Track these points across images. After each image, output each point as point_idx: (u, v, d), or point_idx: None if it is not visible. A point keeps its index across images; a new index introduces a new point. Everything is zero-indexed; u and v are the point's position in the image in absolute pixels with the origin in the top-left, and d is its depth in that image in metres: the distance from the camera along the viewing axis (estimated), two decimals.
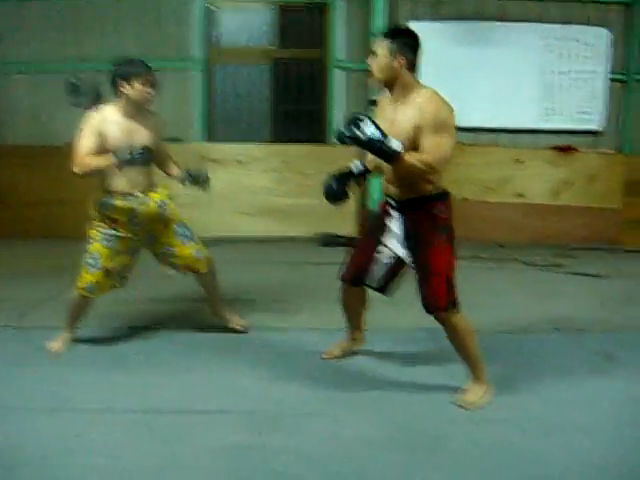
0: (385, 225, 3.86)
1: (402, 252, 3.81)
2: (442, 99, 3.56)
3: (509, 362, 4.35)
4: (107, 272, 4.27)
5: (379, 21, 8.09)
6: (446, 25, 8.40)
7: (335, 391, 3.87)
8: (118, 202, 4.21)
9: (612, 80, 8.62)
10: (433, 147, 3.44)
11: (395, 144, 3.36)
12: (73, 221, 7.80)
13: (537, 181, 8.41)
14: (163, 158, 4.51)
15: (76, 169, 4.02)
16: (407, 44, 3.62)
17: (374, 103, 8.41)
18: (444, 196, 3.71)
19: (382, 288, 4.04)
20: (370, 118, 3.37)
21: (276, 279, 6.28)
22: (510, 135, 8.61)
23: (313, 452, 3.20)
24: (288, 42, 8.76)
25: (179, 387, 3.89)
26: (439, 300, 3.65)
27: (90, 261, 4.23)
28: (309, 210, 8.13)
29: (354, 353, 4.39)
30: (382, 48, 3.61)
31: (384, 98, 3.84)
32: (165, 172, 4.56)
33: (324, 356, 4.31)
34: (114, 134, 4.07)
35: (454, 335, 3.75)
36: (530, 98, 8.43)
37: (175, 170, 4.56)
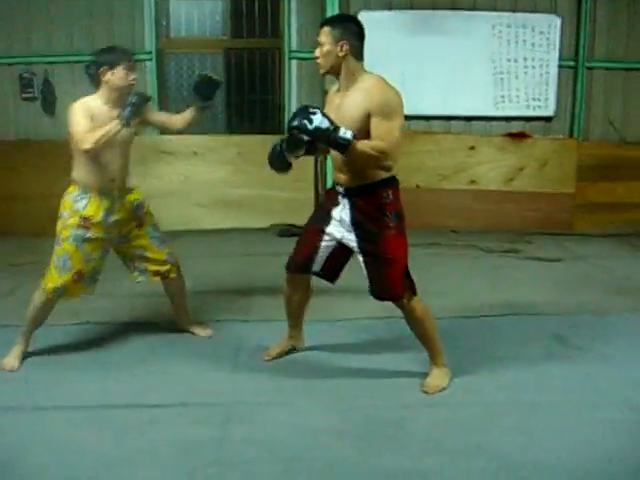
0: (329, 213, 3.85)
1: (348, 240, 3.78)
2: (388, 84, 3.57)
3: (466, 346, 4.42)
4: (79, 275, 4.07)
5: (332, 10, 8.08)
6: (398, 14, 8.41)
7: (293, 381, 3.91)
8: (93, 199, 4.06)
9: (562, 67, 8.72)
10: (384, 132, 3.45)
11: (346, 133, 3.35)
12: (27, 217, 7.81)
13: (490, 168, 8.47)
14: (162, 119, 4.43)
15: (86, 145, 3.77)
16: (351, 31, 3.65)
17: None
18: (391, 182, 3.69)
19: (327, 275, 4.02)
20: (319, 108, 3.37)
21: (234, 271, 6.26)
22: (463, 122, 8.64)
23: (272, 441, 3.22)
24: (241, 32, 8.70)
25: (136, 382, 3.88)
26: (396, 287, 3.68)
27: (60, 262, 4.02)
28: (266, 201, 8.13)
29: (291, 352, 4.34)
30: (326, 36, 3.61)
31: (332, 88, 3.86)
32: (174, 127, 4.42)
33: (265, 358, 4.25)
34: (103, 123, 3.88)
35: (412, 320, 3.79)
36: (482, 85, 8.49)
37: (179, 118, 4.38)
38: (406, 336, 4.09)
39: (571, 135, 8.88)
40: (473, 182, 8.50)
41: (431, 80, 8.35)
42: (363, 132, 3.49)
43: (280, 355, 4.28)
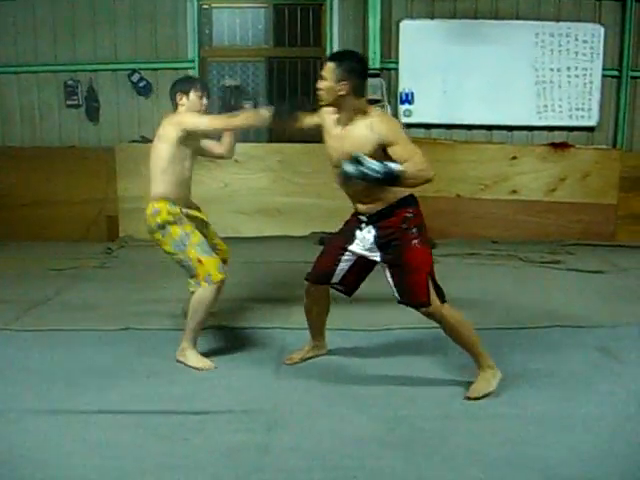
0: (353, 233, 3.95)
1: (372, 255, 3.87)
2: (387, 116, 3.79)
3: (509, 358, 4.36)
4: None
5: (375, 19, 8.12)
6: (441, 23, 8.42)
7: (336, 389, 3.89)
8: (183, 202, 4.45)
9: (606, 76, 8.65)
10: (409, 153, 3.57)
11: (394, 166, 3.48)
12: (69, 222, 7.94)
13: (532, 178, 8.40)
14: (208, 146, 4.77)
15: (219, 125, 4.30)
16: (353, 70, 3.74)
17: (371, 102, 8.47)
18: (409, 200, 3.80)
19: (344, 288, 4.13)
20: (363, 156, 3.51)
21: (274, 279, 6.28)
22: (505, 132, 8.63)
23: (317, 450, 3.21)
24: (283, 41, 8.77)
25: (180, 388, 3.89)
26: (422, 295, 3.73)
27: (203, 248, 4.23)
28: (306, 209, 8.15)
29: (312, 358, 4.38)
30: (329, 73, 3.74)
31: (328, 116, 3.93)
32: (216, 154, 4.88)
33: (286, 362, 4.29)
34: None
35: (446, 327, 3.81)
36: (524, 95, 8.45)
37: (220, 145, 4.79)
38: (445, 345, 4.11)
39: (614, 145, 8.80)
40: (514, 192, 8.43)
41: (473, 89, 8.33)
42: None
43: (302, 360, 4.32)
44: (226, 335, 4.70)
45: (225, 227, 7.95)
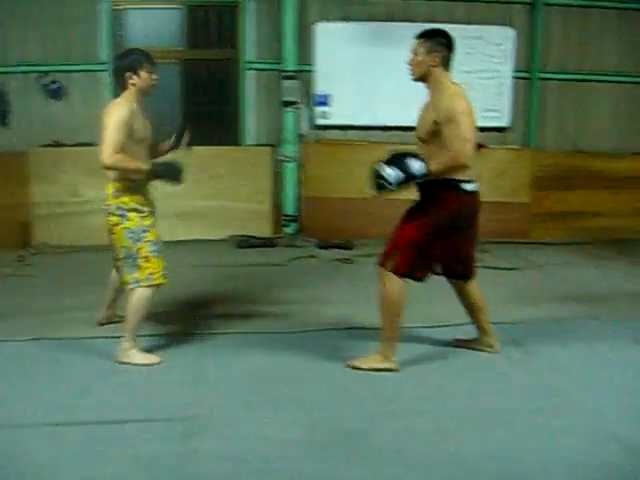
0: None
1: None
2: (459, 93, 3.96)
3: (423, 355, 4.44)
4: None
5: (289, 21, 8.12)
6: (355, 26, 8.47)
7: (258, 393, 3.86)
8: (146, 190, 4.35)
9: (517, 78, 8.85)
10: (453, 139, 3.83)
11: (415, 166, 3.81)
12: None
13: None
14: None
15: (107, 161, 4.00)
16: (441, 43, 4.04)
17: (287, 104, 8.49)
18: (446, 184, 4.00)
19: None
20: (389, 161, 3.90)
21: (193, 283, 6.18)
22: None
23: (238, 454, 3.17)
24: (197, 42, 8.66)
25: (95, 397, 3.78)
26: (386, 255, 4.08)
27: (155, 247, 4.21)
28: (224, 212, 8.09)
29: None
30: (418, 47, 4.06)
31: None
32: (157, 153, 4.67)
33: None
34: (138, 126, 4.20)
35: (381, 294, 4.09)
36: None
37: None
38: (364, 346, 4.22)
39: (526, 145, 9.00)
40: None
41: (388, 91, 8.40)
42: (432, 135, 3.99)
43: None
44: (141, 342, 4.58)
45: None
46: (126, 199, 4.17)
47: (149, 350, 4.39)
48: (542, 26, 8.82)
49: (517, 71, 8.82)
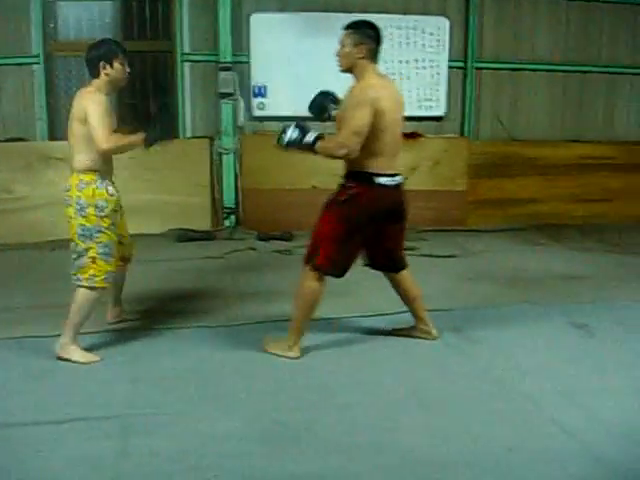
0: None
1: None
2: (369, 84, 4.03)
3: (362, 345, 4.49)
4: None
5: (225, 12, 8.07)
6: (291, 16, 8.45)
7: (194, 389, 3.83)
8: (110, 189, 4.25)
9: (452, 67, 8.94)
10: (344, 126, 3.96)
11: (310, 137, 4.00)
12: None
13: None
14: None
15: (105, 146, 3.97)
16: (368, 35, 4.11)
17: (223, 96, 8.43)
18: (357, 176, 4.08)
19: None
20: (297, 124, 4.06)
21: (133, 278, 6.08)
22: None
23: (175, 452, 3.14)
24: (132, 34, 8.53)
25: (29, 397, 3.70)
26: (306, 253, 4.18)
27: (106, 250, 4.15)
28: (162, 206, 8.01)
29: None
30: (345, 39, 4.13)
31: None
32: None
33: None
34: (111, 114, 4.18)
35: (298, 290, 4.19)
36: None
37: None
38: (306, 337, 4.17)
39: (462, 134, 9.11)
40: None
41: (326, 81, 8.34)
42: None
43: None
44: (78, 339, 4.52)
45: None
46: (89, 192, 4.09)
47: (88, 348, 4.32)
48: (476, 16, 8.92)
49: (452, 60, 8.90)
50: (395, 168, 4.15)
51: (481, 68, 9.08)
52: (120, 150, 4.16)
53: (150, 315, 5.07)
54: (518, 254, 7.30)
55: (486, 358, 4.29)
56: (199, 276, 6.25)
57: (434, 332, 4.53)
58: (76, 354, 4.16)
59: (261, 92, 8.40)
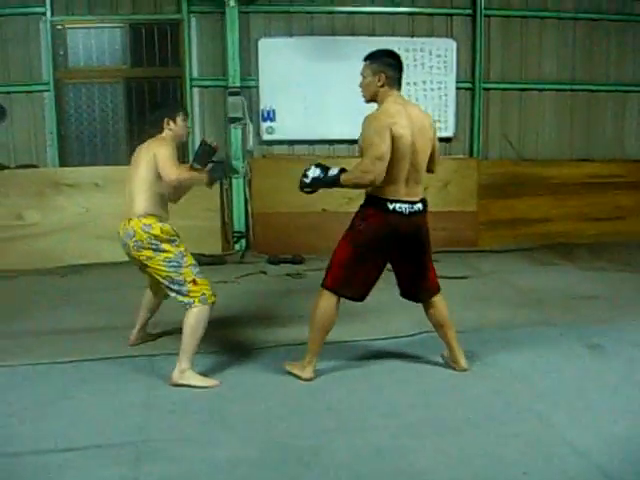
0: None
1: None
2: (380, 112, 4.06)
3: (376, 367, 4.46)
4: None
5: (233, 38, 8.12)
6: (299, 40, 8.51)
7: (207, 414, 3.81)
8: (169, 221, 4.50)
9: (460, 88, 8.97)
10: (365, 154, 3.98)
11: (333, 172, 4.08)
12: None
13: None
14: None
15: (174, 176, 4.17)
16: (387, 63, 4.13)
17: (233, 120, 8.47)
18: (372, 201, 4.10)
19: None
20: (318, 164, 4.17)
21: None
22: None
23: (187, 478, 3.12)
24: (141, 61, 8.61)
25: (41, 425, 3.68)
26: (326, 275, 4.20)
27: (197, 270, 4.32)
28: None
29: None
30: (365, 70, 4.16)
31: None
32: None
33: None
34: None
35: (313, 308, 4.19)
36: None
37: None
38: (322, 359, 4.15)
39: (471, 155, 9.12)
40: None
41: (334, 105, 8.44)
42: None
43: None
44: (89, 367, 4.50)
45: (86, 252, 7.76)
46: (157, 232, 4.25)
47: (94, 372, 4.30)
48: (483, 36, 8.96)
49: (460, 82, 8.95)
50: (415, 195, 4.12)
51: (489, 89, 9.10)
52: (186, 183, 4.42)
53: (162, 340, 5.05)
54: (530, 274, 7.27)
55: (500, 381, 4.25)
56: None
57: (462, 362, 4.41)
58: (196, 379, 4.23)
59: (270, 116, 8.44)
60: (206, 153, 4.50)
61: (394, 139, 3.93)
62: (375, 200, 4.06)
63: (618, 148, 9.60)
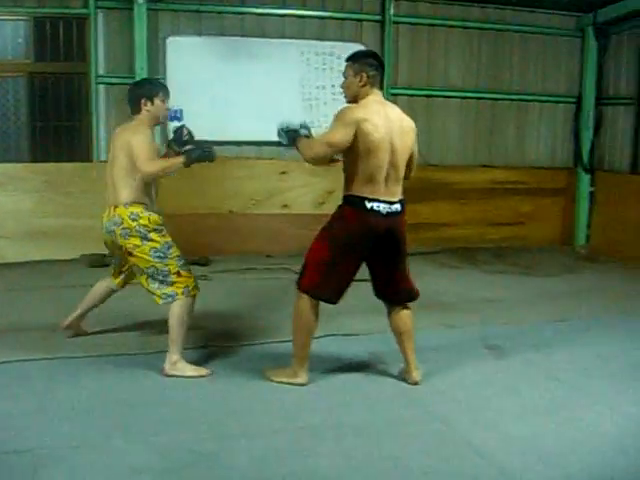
0: None
1: None
2: (350, 106, 4.18)
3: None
4: None
5: (141, 35, 8.01)
6: (208, 40, 8.45)
7: (108, 419, 3.75)
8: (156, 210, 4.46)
9: None
10: (322, 135, 4.17)
11: (303, 131, 4.22)
12: None
13: (302, 192, 8.67)
14: None
15: (148, 169, 4.18)
16: (368, 63, 4.21)
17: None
18: (349, 200, 4.12)
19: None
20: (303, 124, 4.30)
21: (41, 305, 5.95)
22: (274, 148, 8.73)
23: None
24: (45, 55, 8.36)
25: None
26: (301, 276, 4.20)
27: (182, 262, 4.40)
28: (75, 231, 7.83)
29: None
30: (347, 71, 4.25)
31: None
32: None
33: None
34: (154, 143, 4.44)
35: (294, 312, 4.22)
36: (292, 111, 8.58)
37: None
38: (221, 365, 4.12)
39: None
40: (285, 206, 8.64)
41: (242, 105, 8.42)
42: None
43: None
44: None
45: None
46: (145, 222, 4.25)
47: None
48: (391, 43, 9.08)
49: None
50: (394, 195, 4.14)
51: (396, 94, 9.20)
52: (163, 172, 4.34)
53: (57, 343, 4.93)
54: (433, 277, 7.39)
55: (400, 382, 4.34)
56: (107, 302, 6.05)
57: (414, 375, 4.36)
58: (187, 369, 4.29)
59: (177, 116, 8.32)
60: (184, 135, 4.64)
61: (360, 135, 3.98)
62: (353, 199, 4.08)
63: (519, 155, 9.88)
